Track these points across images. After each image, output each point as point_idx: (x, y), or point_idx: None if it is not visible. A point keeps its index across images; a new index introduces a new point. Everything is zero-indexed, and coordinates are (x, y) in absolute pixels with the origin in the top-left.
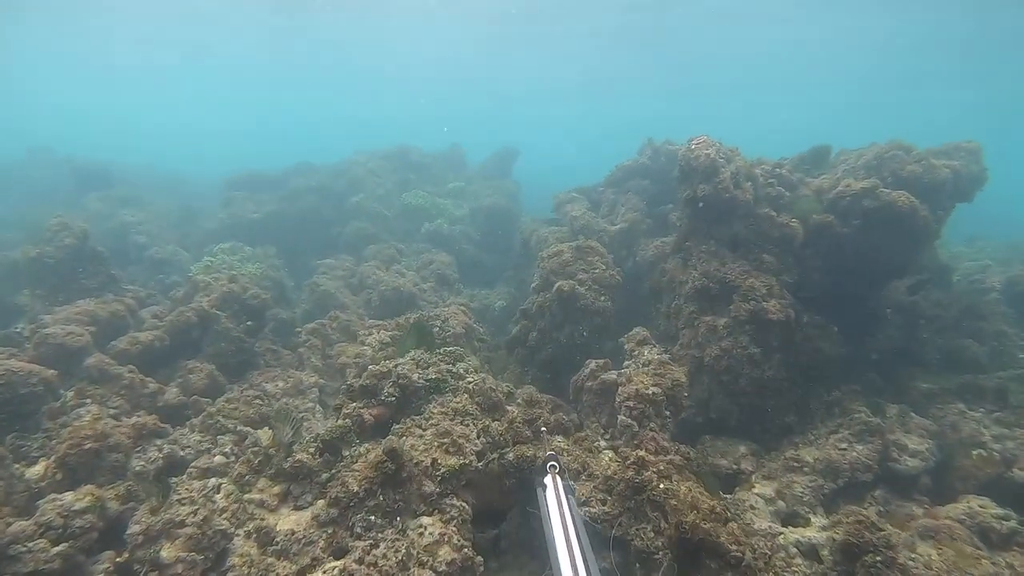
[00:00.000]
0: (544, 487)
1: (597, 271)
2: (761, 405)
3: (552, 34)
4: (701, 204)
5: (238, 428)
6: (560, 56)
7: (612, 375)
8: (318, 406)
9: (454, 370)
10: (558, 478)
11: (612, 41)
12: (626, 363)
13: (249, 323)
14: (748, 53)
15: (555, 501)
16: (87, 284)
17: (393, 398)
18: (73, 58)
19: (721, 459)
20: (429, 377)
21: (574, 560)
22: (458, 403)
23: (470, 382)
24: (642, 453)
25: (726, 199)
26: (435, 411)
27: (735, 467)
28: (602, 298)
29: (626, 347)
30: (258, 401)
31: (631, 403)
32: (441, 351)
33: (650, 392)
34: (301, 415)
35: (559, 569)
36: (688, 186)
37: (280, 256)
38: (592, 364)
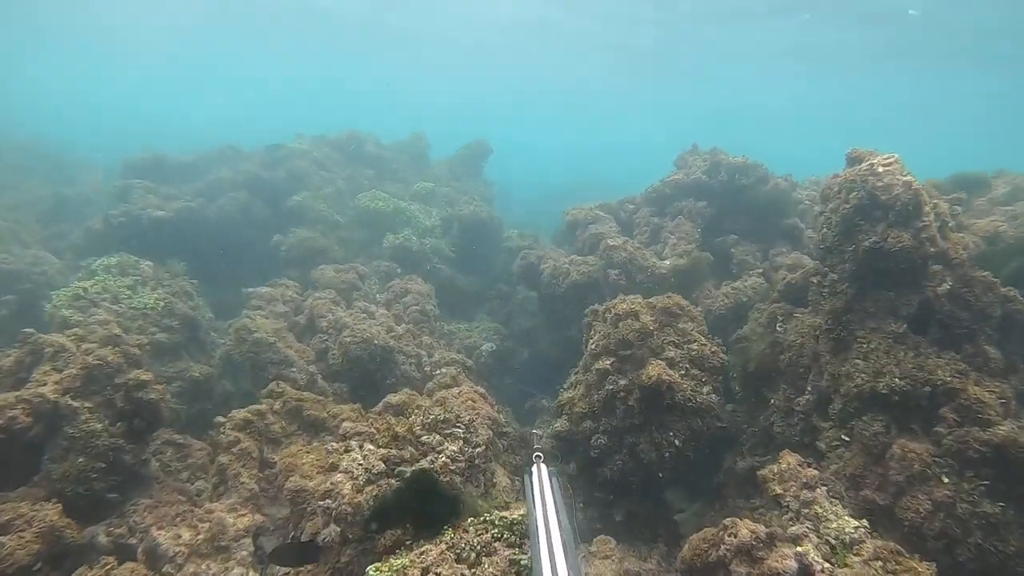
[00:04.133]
0: (530, 474)
1: (694, 346)
2: None
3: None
4: (879, 259)
5: None
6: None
7: (789, 561)
8: (251, 574)
9: None
10: (543, 466)
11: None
12: (791, 524)
13: (135, 422)
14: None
15: (539, 488)
16: None
17: None
18: None
19: None
20: None
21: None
22: None
23: None
24: None
25: (930, 255)
26: None
27: None
28: (705, 389)
29: (773, 488)
30: None
31: None
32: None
33: None
34: None
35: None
36: (870, 230)
37: (194, 274)
38: (744, 532)
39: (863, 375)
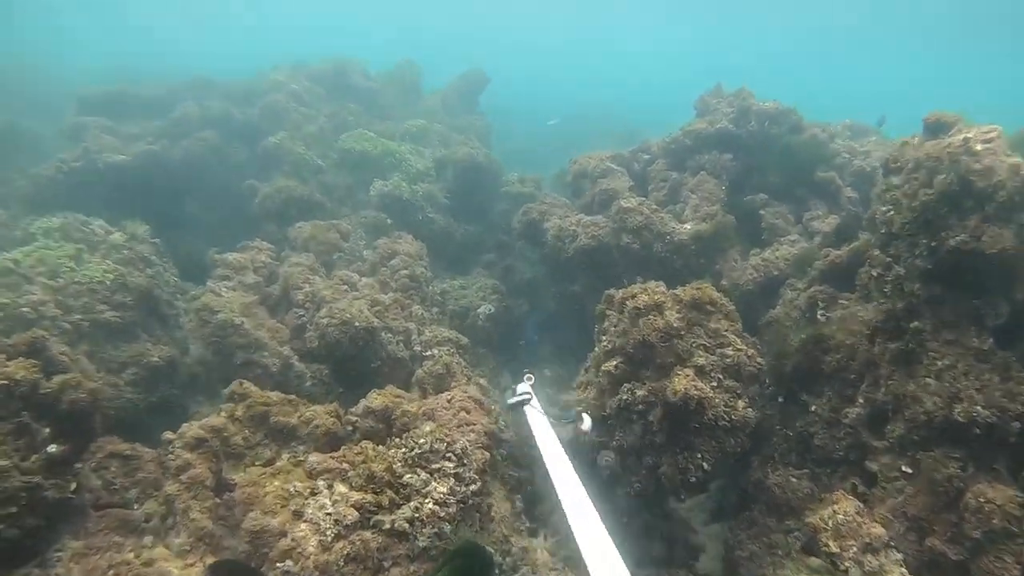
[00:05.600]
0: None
1: (729, 352)
2: None
3: None
4: (966, 259)
5: None
6: None
7: None
8: None
9: None
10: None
11: None
12: None
13: (50, 451)
14: None
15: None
16: None
17: None
18: None
19: None
20: None
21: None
22: None
23: None
24: None
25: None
26: None
27: None
28: (740, 404)
29: (826, 543)
30: None
31: None
32: None
33: None
34: None
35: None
36: (957, 223)
37: (159, 227)
38: None
39: (935, 399)
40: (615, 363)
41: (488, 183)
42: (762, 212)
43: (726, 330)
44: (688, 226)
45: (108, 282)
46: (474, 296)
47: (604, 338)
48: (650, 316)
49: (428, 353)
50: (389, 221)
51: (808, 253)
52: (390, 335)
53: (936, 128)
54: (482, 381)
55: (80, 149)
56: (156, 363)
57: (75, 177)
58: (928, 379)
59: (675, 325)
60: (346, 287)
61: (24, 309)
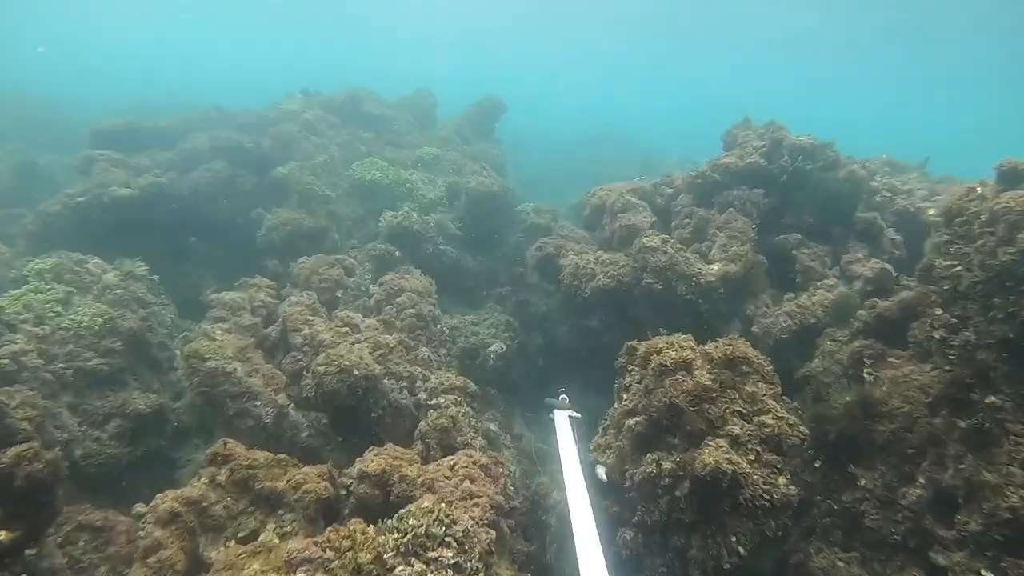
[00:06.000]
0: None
1: (768, 420)
2: None
3: None
4: None
5: None
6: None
7: None
8: None
9: None
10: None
11: None
12: None
13: (6, 538)
14: None
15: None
16: None
17: None
18: None
19: None
20: None
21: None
22: None
23: None
24: None
25: None
26: None
27: None
28: (781, 480)
29: None
30: None
31: None
32: None
33: None
34: None
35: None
36: None
37: (162, 263)
38: None
39: (1021, 493)
40: (638, 426)
41: (502, 213)
42: (795, 253)
43: (764, 394)
44: (715, 267)
45: (96, 327)
46: (485, 333)
47: (625, 396)
48: (678, 376)
49: (434, 402)
50: (398, 254)
51: (848, 300)
52: (393, 381)
53: (1013, 177)
54: (492, 427)
55: (86, 183)
56: (142, 412)
57: (81, 212)
58: (1012, 468)
59: (706, 387)
60: (347, 329)
61: (3, 361)
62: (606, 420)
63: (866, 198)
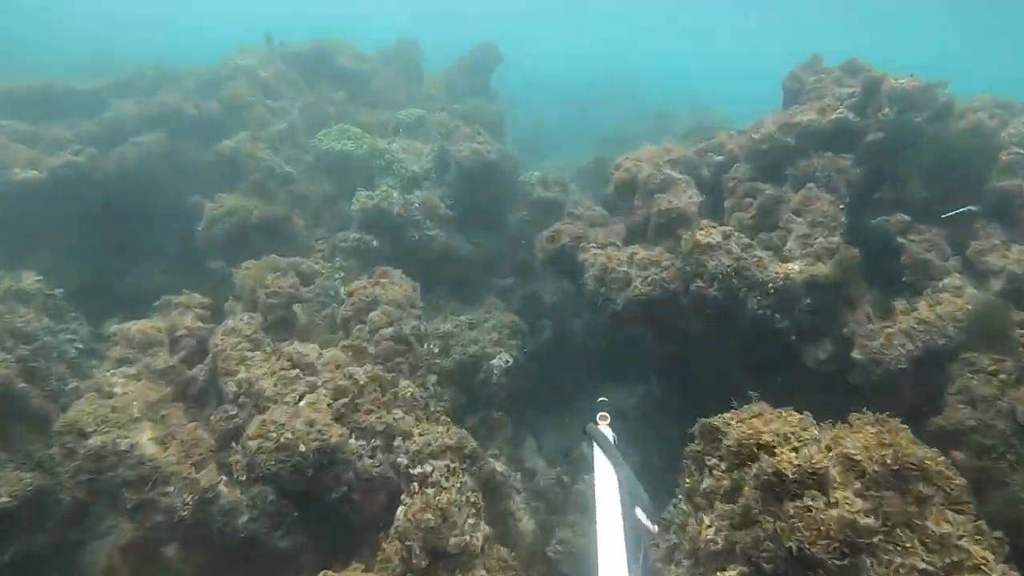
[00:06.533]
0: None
1: None
2: None
3: None
4: None
5: None
6: None
7: None
8: None
9: None
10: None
11: None
12: None
13: None
14: None
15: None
16: None
17: None
18: None
19: None
20: None
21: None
22: None
23: None
24: None
25: None
26: None
27: None
28: None
29: None
30: None
31: None
32: None
33: None
34: None
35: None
36: None
37: (91, 264)
38: None
39: None
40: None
41: (502, 185)
42: (901, 240)
43: (960, 536)
44: (795, 265)
45: None
46: (486, 340)
47: (706, 519)
48: (806, 501)
49: (418, 471)
50: (376, 244)
51: (992, 310)
52: (363, 441)
53: None
54: (498, 466)
55: None
56: (6, 505)
57: None
58: None
59: (862, 527)
60: (297, 371)
61: None
62: (670, 535)
63: (995, 158)
